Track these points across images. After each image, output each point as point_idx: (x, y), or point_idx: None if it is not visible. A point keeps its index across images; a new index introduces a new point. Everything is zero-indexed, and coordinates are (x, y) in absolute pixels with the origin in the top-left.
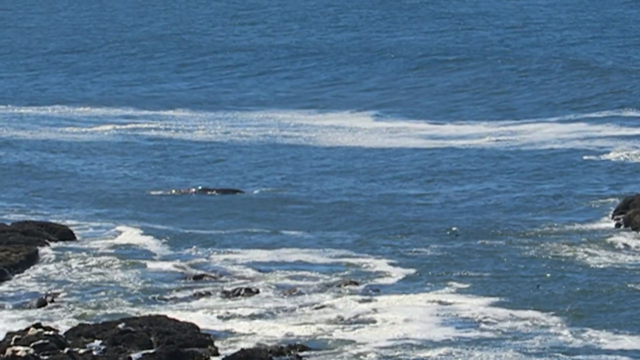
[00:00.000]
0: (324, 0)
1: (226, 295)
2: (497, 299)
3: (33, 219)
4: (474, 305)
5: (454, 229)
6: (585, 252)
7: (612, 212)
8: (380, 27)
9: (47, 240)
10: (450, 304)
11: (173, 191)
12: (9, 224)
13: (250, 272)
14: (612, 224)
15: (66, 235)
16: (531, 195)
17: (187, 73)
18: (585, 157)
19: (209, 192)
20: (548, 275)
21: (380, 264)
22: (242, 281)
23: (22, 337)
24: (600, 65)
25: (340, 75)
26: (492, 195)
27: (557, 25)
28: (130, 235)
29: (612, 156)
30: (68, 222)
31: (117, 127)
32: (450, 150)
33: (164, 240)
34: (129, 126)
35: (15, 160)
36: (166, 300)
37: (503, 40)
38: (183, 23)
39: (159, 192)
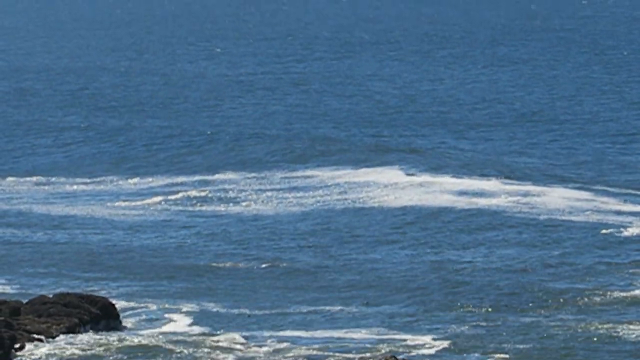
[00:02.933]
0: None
1: None
2: None
3: (75, 292)
4: None
5: None
6: (625, 325)
7: None
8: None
9: (87, 313)
10: None
11: (220, 264)
12: (50, 295)
13: (286, 346)
14: None
15: (107, 307)
16: (563, 263)
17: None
18: (604, 232)
19: (250, 265)
20: (587, 352)
21: (418, 337)
22: (280, 355)
23: None
24: None
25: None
26: (522, 264)
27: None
28: (168, 306)
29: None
30: (110, 294)
31: (167, 197)
32: (479, 214)
33: (200, 314)
34: (178, 195)
35: (65, 236)
36: None
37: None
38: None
39: (202, 265)
